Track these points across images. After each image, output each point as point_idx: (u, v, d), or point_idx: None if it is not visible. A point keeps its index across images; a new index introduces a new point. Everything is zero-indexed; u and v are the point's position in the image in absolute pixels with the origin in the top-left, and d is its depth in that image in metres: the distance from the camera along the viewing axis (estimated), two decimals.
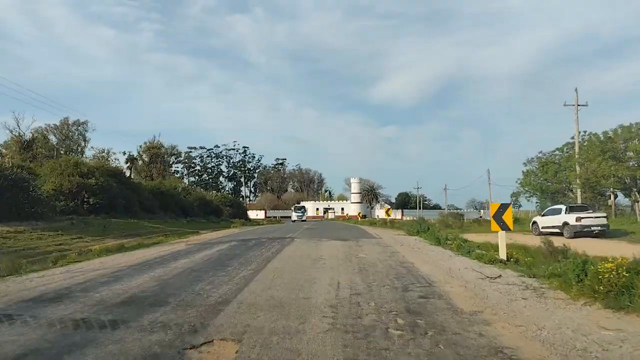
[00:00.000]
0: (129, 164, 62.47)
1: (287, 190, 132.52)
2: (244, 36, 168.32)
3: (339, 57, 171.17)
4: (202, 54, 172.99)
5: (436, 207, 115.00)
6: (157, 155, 62.90)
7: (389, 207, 54.76)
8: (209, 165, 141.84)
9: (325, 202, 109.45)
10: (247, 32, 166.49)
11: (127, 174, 56.61)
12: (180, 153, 66.76)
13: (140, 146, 64.86)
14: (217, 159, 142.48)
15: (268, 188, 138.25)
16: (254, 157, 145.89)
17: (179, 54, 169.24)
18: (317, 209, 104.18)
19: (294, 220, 57.14)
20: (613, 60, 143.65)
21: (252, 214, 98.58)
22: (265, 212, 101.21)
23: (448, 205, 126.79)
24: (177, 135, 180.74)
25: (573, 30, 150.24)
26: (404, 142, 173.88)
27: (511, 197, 41.80)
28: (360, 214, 50.21)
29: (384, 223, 39.55)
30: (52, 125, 61.66)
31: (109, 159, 57.74)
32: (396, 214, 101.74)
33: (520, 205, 45.52)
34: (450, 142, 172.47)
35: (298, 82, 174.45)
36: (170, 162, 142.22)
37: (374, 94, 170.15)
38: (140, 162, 62.84)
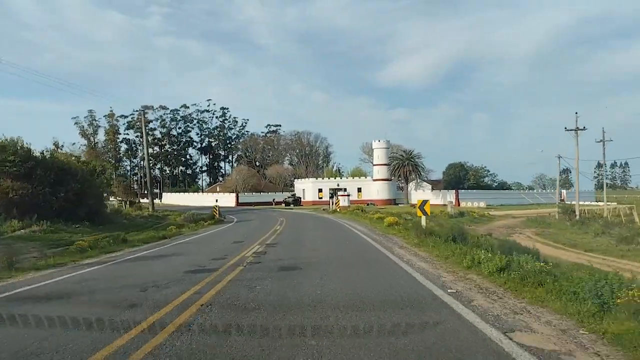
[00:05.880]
0: None
1: (278, 162, 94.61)
2: (253, 19, 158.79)
3: (349, 40, 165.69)
4: (211, 37, 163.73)
5: (503, 185, 77.23)
6: None
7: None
8: (174, 133, 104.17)
9: (333, 179, 71.30)
10: (256, 15, 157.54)
11: None
12: None
13: None
14: (186, 123, 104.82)
15: (257, 164, 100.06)
16: (237, 122, 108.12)
17: (187, 37, 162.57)
18: (320, 190, 66.58)
19: None
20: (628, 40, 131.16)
21: (211, 198, 61.37)
22: (237, 197, 63.81)
23: (512, 185, 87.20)
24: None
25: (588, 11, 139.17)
26: (415, 124, 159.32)
27: None
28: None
29: None
30: None
31: None
32: (445, 197, 64.14)
33: None
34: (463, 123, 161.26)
35: (307, 65, 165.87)
36: (117, 127, 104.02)
37: (384, 77, 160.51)
38: None
